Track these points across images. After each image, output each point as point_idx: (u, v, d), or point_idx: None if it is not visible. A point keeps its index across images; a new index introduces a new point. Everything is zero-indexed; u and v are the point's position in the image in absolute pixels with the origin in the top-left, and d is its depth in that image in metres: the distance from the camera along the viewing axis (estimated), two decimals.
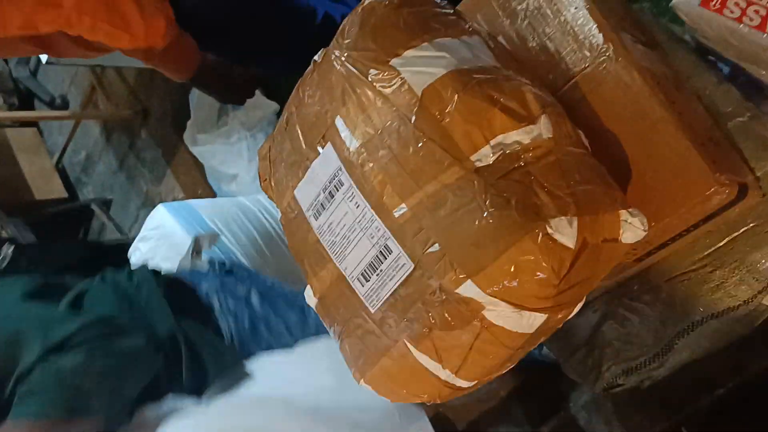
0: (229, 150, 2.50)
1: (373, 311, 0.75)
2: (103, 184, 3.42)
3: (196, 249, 1.95)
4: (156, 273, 1.27)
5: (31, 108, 3.65)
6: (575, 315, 0.97)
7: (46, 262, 2.48)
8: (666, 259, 0.96)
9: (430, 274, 0.69)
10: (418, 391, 0.78)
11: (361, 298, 0.76)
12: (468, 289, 0.67)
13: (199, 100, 2.58)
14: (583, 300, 0.77)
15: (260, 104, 2.46)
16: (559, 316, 0.73)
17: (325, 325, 0.85)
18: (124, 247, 1.31)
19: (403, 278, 0.71)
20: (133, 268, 2.04)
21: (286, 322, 1.24)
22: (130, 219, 3.29)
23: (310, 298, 0.85)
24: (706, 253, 0.96)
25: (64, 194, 3.34)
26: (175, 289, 1.22)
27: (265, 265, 1.96)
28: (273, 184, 0.90)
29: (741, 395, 1.36)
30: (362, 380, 0.80)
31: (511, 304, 0.67)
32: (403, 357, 0.74)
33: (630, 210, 0.73)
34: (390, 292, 0.73)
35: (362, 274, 0.75)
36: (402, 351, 0.74)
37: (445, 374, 0.73)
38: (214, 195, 2.67)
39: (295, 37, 1.52)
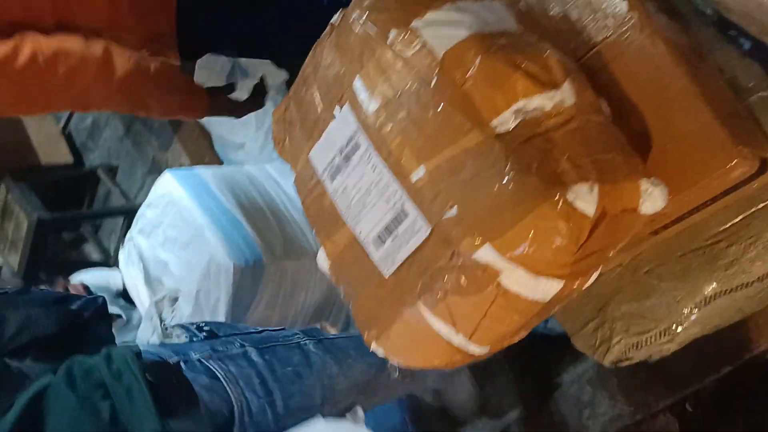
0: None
1: (387, 275, 0.75)
2: (109, 150, 3.41)
3: (159, 313, 1.92)
4: (138, 355, 1.06)
5: None
6: (587, 287, 0.97)
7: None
8: (681, 233, 0.95)
9: (448, 238, 0.68)
10: (430, 355, 0.78)
11: (375, 262, 0.75)
12: (485, 254, 0.66)
13: (206, 68, 2.56)
14: (599, 270, 0.77)
15: (270, 72, 2.44)
16: (575, 285, 0.72)
17: (338, 289, 0.85)
18: (108, 325, 1.21)
19: (419, 242, 0.71)
20: (138, 231, 2.03)
21: (293, 366, 1.18)
22: (136, 185, 3.28)
23: (323, 261, 0.85)
24: (721, 228, 0.95)
25: (70, 160, 3.33)
26: (161, 377, 1.06)
27: (272, 235, 1.96)
28: (288, 146, 0.89)
29: (747, 375, 1.36)
30: (374, 343, 0.80)
31: (529, 270, 0.67)
32: (416, 321, 0.74)
33: (651, 180, 0.72)
34: (405, 256, 0.72)
35: (377, 238, 0.74)
36: (416, 315, 0.73)
37: (458, 339, 0.73)
38: (220, 163, 2.66)
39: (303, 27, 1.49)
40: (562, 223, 0.64)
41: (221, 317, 1.85)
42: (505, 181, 0.66)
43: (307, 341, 1.22)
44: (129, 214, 2.35)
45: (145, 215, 2.07)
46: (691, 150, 0.80)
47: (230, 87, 1.43)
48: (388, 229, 0.73)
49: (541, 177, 0.65)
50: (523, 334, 0.79)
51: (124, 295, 2.42)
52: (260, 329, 1.34)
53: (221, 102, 1.40)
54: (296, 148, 0.86)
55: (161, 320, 1.93)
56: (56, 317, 1.07)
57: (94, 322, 1.14)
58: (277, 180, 2.19)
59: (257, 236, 1.92)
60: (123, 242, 2.15)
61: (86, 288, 2.14)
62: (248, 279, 1.86)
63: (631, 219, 0.73)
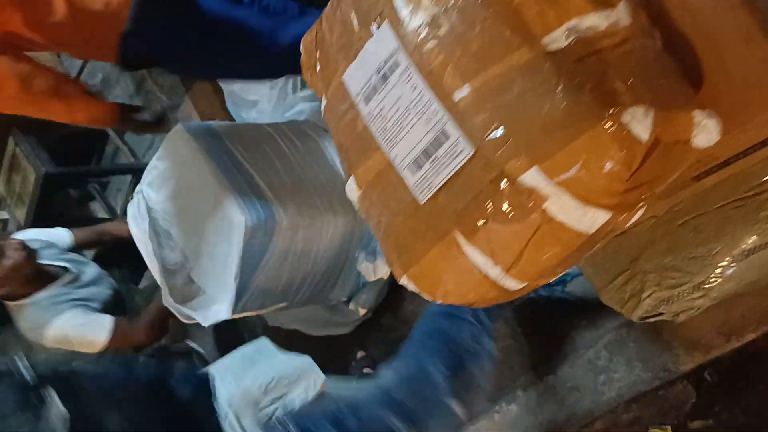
0: None
1: (422, 201, 0.71)
2: None
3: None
4: None
5: None
6: (618, 237, 0.93)
7: None
8: (722, 182, 0.91)
9: (491, 161, 0.65)
10: (463, 289, 0.74)
11: (411, 188, 0.71)
12: (532, 177, 0.62)
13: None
14: (644, 209, 0.73)
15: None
16: (621, 218, 0.68)
17: (366, 221, 0.81)
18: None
19: (460, 165, 0.67)
20: (147, 184, 1.99)
21: None
22: (145, 144, 3.25)
23: (353, 191, 0.81)
24: (765, 178, 0.91)
25: None
26: None
27: (284, 192, 1.92)
28: (318, 72, 0.84)
29: None
30: (404, 276, 0.76)
31: (577, 196, 0.63)
32: (451, 251, 0.70)
33: (706, 111, 0.68)
34: (444, 181, 0.68)
35: (414, 162, 0.70)
36: (451, 244, 0.70)
37: (495, 272, 0.69)
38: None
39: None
40: (615, 146, 0.61)
41: (231, 271, 1.82)
42: (556, 101, 0.62)
43: None
44: (137, 173, 2.32)
45: (156, 168, 2.03)
46: (745, 87, 0.75)
47: (139, 107, 1.75)
48: (427, 153, 0.69)
49: (595, 97, 0.61)
50: (560, 271, 0.75)
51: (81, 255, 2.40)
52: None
53: (128, 118, 1.70)
54: (328, 72, 0.82)
55: None
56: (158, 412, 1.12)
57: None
58: (291, 138, 2.15)
59: (270, 192, 1.89)
60: (131, 196, 2.12)
61: (24, 245, 2.11)
62: (260, 235, 1.83)
63: (683, 151, 0.69)
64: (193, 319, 1.92)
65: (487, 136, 0.64)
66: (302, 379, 1.68)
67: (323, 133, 2.23)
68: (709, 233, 0.95)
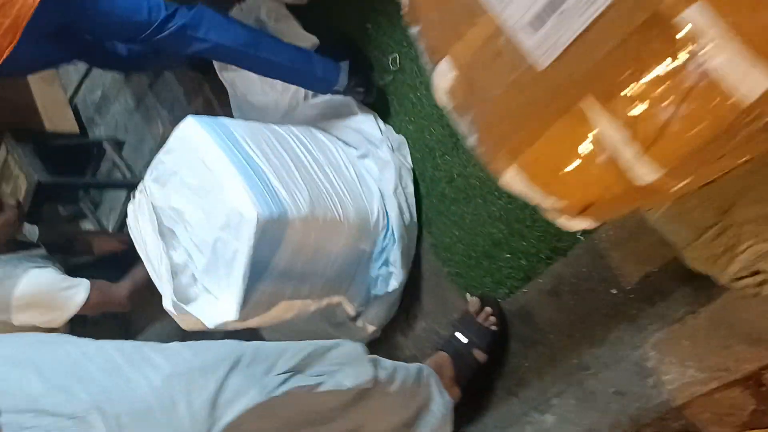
0: (261, 80, 2.36)
1: (543, 66, 0.60)
2: (117, 124, 3.26)
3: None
4: None
5: None
6: (705, 187, 0.82)
7: None
8: None
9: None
10: (586, 179, 0.61)
11: (528, 52, 0.60)
12: (695, 15, 0.52)
13: None
14: None
15: (298, 36, 2.32)
16: None
17: (458, 117, 0.69)
18: None
19: (598, 11, 0.56)
20: (152, 180, 1.88)
21: None
22: (142, 161, 3.13)
23: (444, 76, 0.69)
24: None
25: (76, 129, 3.18)
26: None
27: (298, 190, 1.81)
28: None
29: None
30: (510, 168, 0.64)
31: (748, 44, 0.51)
32: (578, 125, 0.58)
33: None
34: (575, 36, 0.57)
35: (534, 19, 0.59)
36: (579, 116, 0.58)
37: (630, 153, 0.57)
38: None
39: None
40: None
41: (240, 269, 1.69)
42: None
43: None
44: (132, 189, 2.22)
45: (162, 162, 1.91)
46: None
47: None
48: (553, 4, 0.58)
49: None
50: (694, 172, 0.63)
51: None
52: None
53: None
54: None
55: None
56: None
57: None
58: (303, 141, 2.05)
59: (283, 188, 1.77)
60: (133, 194, 2.00)
61: (20, 204, 2.13)
62: (271, 232, 1.71)
63: None
64: (198, 323, 1.77)
65: None
66: None
67: (337, 141, 2.14)
68: None
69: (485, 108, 0.66)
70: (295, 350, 1.16)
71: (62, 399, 0.87)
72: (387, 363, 1.37)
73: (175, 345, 1.19)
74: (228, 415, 1.00)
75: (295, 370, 1.13)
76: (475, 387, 1.55)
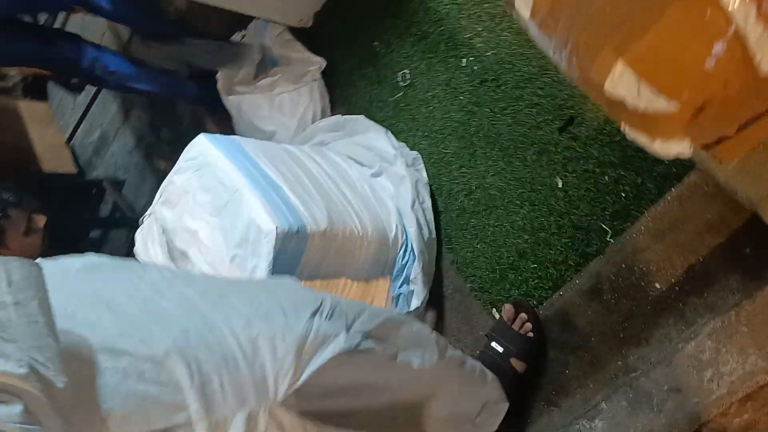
0: (269, 104, 2.32)
1: None
2: (116, 164, 3.20)
3: None
4: None
5: (43, 90, 3.46)
6: None
7: None
8: None
9: None
10: (701, 70, 0.55)
11: None
12: None
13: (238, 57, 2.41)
14: None
15: (306, 59, 2.30)
16: None
17: (541, 32, 0.62)
18: None
19: None
20: (162, 202, 1.81)
21: None
22: (143, 199, 3.06)
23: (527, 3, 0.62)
24: None
25: (74, 170, 3.11)
26: None
27: (315, 205, 1.74)
28: None
29: None
30: (616, 66, 0.57)
31: None
32: (695, 7, 0.52)
33: None
34: None
35: None
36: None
37: (756, 32, 0.51)
38: None
39: None
40: None
41: None
42: None
43: None
44: (133, 228, 2.15)
45: (172, 183, 1.85)
46: None
47: None
48: None
49: None
50: None
51: None
52: None
53: None
54: None
55: None
56: None
57: None
58: (317, 159, 2.00)
59: (300, 203, 1.71)
60: (142, 220, 1.93)
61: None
62: (290, 247, 1.64)
63: None
64: None
65: None
66: None
67: (350, 161, 2.09)
68: None
69: (577, 12, 0.60)
70: (371, 313, 1.10)
71: (138, 339, 0.79)
72: (456, 352, 1.31)
73: (247, 284, 1.13)
74: (314, 363, 0.94)
75: (371, 335, 1.07)
76: (514, 399, 1.46)
